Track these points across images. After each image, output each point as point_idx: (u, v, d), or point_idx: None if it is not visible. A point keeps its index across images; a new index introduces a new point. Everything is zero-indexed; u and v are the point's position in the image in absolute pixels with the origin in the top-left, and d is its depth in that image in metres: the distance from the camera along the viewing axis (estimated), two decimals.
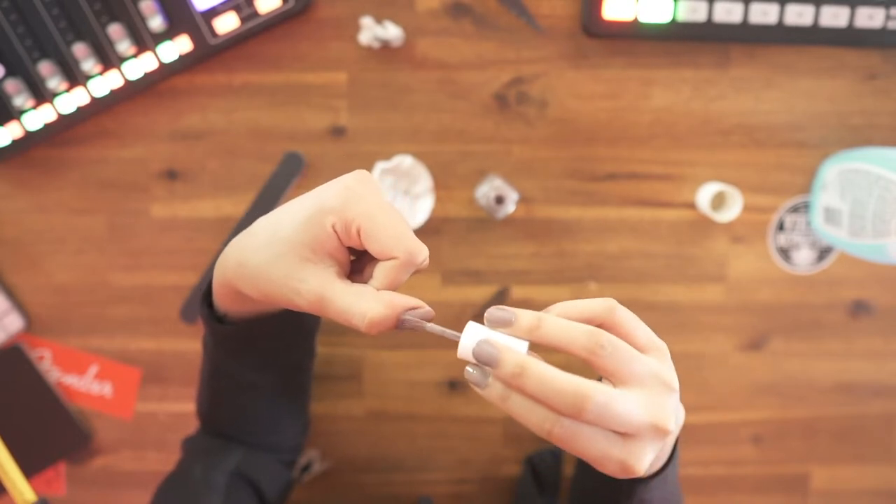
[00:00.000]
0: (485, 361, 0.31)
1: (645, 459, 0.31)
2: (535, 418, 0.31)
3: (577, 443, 0.31)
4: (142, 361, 0.63)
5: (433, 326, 0.33)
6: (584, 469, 0.48)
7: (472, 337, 0.32)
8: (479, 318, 0.62)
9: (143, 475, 0.65)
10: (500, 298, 0.62)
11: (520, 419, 0.31)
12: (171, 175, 0.61)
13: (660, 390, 0.32)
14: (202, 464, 0.50)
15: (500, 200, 0.57)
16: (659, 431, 0.31)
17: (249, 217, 0.60)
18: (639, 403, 0.31)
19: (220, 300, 0.41)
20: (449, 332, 0.33)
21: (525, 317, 0.32)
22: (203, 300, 0.42)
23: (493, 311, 0.32)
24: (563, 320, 0.32)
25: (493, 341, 0.32)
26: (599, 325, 0.33)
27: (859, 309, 0.63)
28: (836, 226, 0.58)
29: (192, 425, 0.64)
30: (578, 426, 0.30)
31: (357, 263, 0.37)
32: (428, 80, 0.59)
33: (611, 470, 0.31)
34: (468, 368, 0.32)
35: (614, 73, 0.60)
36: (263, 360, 0.47)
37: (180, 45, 0.56)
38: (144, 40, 0.56)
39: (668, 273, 0.62)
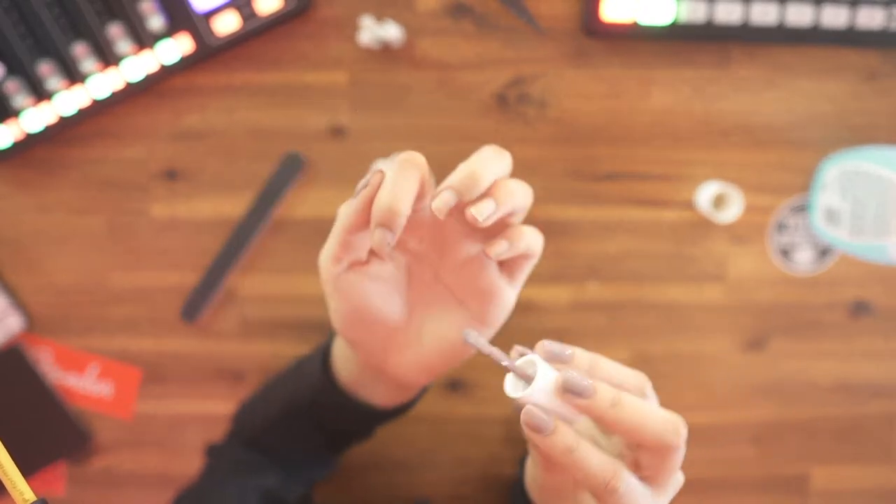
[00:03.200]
0: (581, 392, 0.28)
1: None
2: (599, 470, 0.28)
3: (629, 500, 0.29)
4: (142, 361, 0.63)
5: (500, 353, 0.29)
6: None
7: (549, 373, 0.28)
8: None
9: (143, 475, 0.65)
10: None
11: (579, 471, 0.28)
12: (171, 175, 0.61)
13: None
14: (237, 483, 0.48)
15: None
16: (679, 486, 0.32)
17: (250, 217, 0.60)
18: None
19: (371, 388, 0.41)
20: (510, 360, 0.29)
21: (582, 355, 0.30)
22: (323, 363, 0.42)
23: (552, 346, 0.30)
24: (613, 362, 0.31)
25: (576, 373, 0.28)
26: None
27: (860, 309, 0.63)
28: (837, 226, 0.58)
29: (193, 425, 0.64)
30: (638, 485, 0.29)
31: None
32: (428, 80, 0.59)
33: None
34: (535, 410, 0.28)
35: (614, 73, 0.60)
36: (351, 431, 0.46)
37: (180, 45, 0.56)
38: (144, 40, 0.56)
39: (668, 273, 0.62)
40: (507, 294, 0.37)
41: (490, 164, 0.32)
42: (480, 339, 0.29)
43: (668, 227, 0.62)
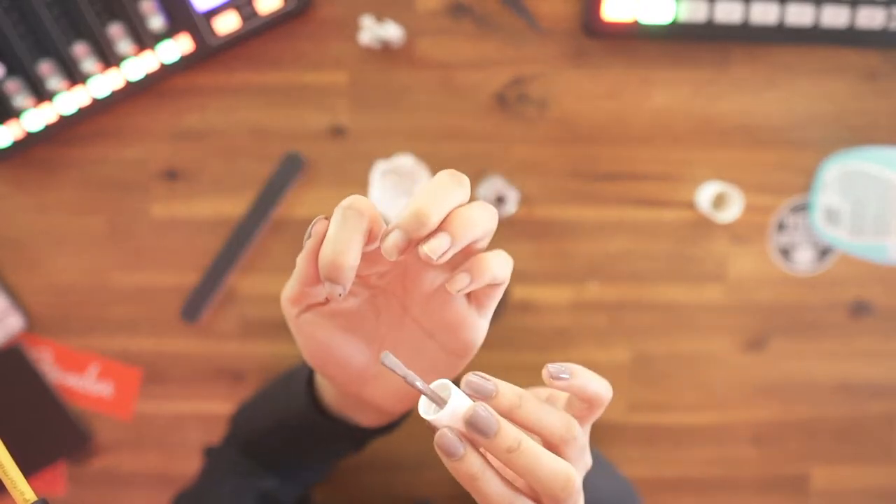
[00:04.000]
0: (483, 430, 0.28)
1: None
2: (498, 499, 0.29)
3: None
4: (142, 361, 0.63)
5: (410, 374, 0.29)
6: None
7: (461, 401, 0.28)
8: None
9: (143, 475, 0.65)
10: (501, 298, 0.62)
11: (479, 497, 0.29)
12: (171, 175, 0.61)
13: (583, 473, 0.33)
14: (235, 484, 0.48)
15: (500, 200, 0.57)
16: None
17: (250, 217, 0.60)
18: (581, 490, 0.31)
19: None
20: (424, 384, 0.29)
21: (507, 392, 0.30)
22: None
23: (476, 380, 0.29)
24: (542, 404, 0.31)
25: (491, 409, 0.28)
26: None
27: (860, 309, 0.63)
28: (837, 226, 0.58)
29: (193, 425, 0.64)
30: None
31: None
32: (428, 80, 0.59)
33: None
34: (447, 433, 0.28)
35: (614, 73, 0.60)
36: (343, 448, 0.45)
37: (181, 45, 0.56)
38: (145, 40, 0.56)
39: (668, 273, 0.62)
40: (477, 325, 0.35)
41: (444, 194, 0.29)
42: (396, 362, 0.29)
43: (668, 227, 0.62)
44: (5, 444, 0.28)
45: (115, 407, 0.64)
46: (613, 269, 0.62)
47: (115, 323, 0.62)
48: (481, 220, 0.30)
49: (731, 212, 0.58)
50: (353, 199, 0.29)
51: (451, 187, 0.30)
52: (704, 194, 0.59)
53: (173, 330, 0.63)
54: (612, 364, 0.63)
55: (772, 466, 0.65)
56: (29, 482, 0.27)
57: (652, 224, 0.62)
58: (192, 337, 0.63)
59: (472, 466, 0.28)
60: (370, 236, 0.29)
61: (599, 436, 0.64)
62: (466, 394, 0.29)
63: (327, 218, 0.30)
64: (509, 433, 0.28)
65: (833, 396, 0.64)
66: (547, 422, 0.31)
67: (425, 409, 0.29)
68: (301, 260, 0.31)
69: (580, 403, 0.33)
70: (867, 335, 0.63)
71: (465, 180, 0.30)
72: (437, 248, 0.29)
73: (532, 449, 0.29)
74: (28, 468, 0.63)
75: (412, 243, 0.29)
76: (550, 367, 0.32)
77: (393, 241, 0.28)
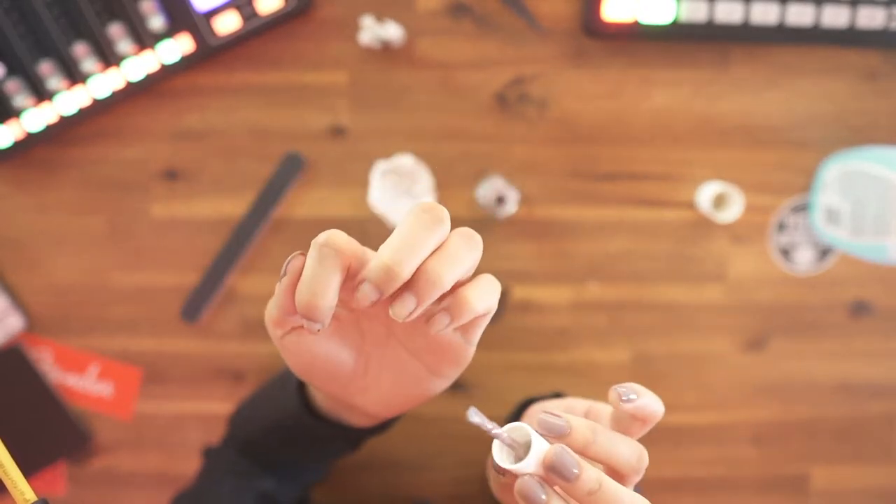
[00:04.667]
0: (565, 475, 0.27)
1: None
2: None
3: None
4: (142, 361, 0.63)
5: (493, 426, 0.28)
6: None
7: (541, 444, 0.28)
8: None
9: (143, 475, 0.65)
10: (501, 299, 0.62)
11: None
12: (171, 175, 0.61)
13: None
14: (233, 484, 0.48)
15: (500, 200, 0.57)
16: None
17: (250, 217, 0.60)
18: None
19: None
20: (500, 431, 0.28)
21: (581, 428, 0.29)
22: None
23: (550, 419, 0.29)
24: (614, 434, 0.30)
25: (571, 451, 0.28)
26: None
27: (860, 309, 0.63)
28: (837, 226, 0.58)
29: (193, 426, 0.64)
30: None
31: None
32: (428, 80, 0.59)
33: None
34: (531, 482, 0.27)
35: (615, 73, 0.60)
36: (340, 448, 0.45)
37: (181, 45, 0.56)
38: (145, 40, 0.56)
39: (668, 273, 0.62)
40: (463, 351, 0.34)
41: (418, 242, 0.28)
42: (482, 419, 0.28)
43: (668, 227, 0.62)
44: (5, 444, 0.28)
45: (115, 407, 0.64)
46: (613, 269, 0.62)
47: (115, 323, 0.62)
48: (453, 272, 0.29)
49: (732, 212, 0.58)
50: (330, 236, 0.28)
51: (427, 232, 0.28)
52: (704, 194, 0.59)
53: (173, 330, 0.63)
54: (612, 364, 0.63)
55: (772, 466, 0.65)
56: (29, 482, 0.27)
57: (652, 224, 0.62)
58: (192, 337, 0.63)
59: None
60: (348, 273, 0.29)
61: None
62: (540, 434, 0.29)
63: (303, 254, 0.29)
64: (591, 475, 0.28)
65: (833, 396, 0.64)
66: (621, 455, 0.30)
67: (501, 456, 0.28)
68: (279, 292, 0.30)
69: (631, 421, 0.33)
70: (867, 335, 0.63)
71: (444, 215, 0.29)
72: (401, 313, 0.28)
73: (612, 489, 0.28)
74: (28, 468, 0.63)
75: (382, 297, 0.28)
76: (619, 389, 0.31)
77: (364, 294, 0.28)
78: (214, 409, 0.63)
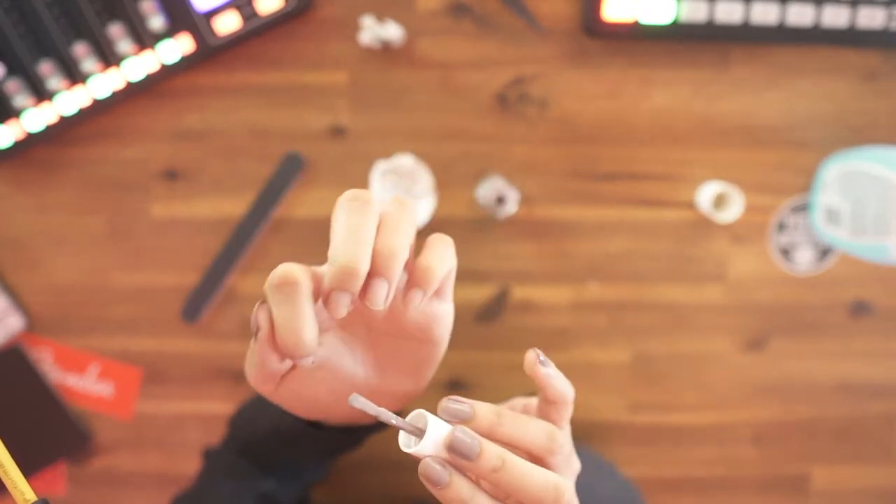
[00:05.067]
0: (465, 454, 0.28)
1: None
2: None
3: None
4: (142, 361, 0.63)
5: (384, 412, 0.28)
6: None
7: (440, 428, 0.29)
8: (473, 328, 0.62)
9: (143, 475, 0.65)
10: (501, 299, 0.62)
11: None
12: (171, 175, 0.61)
13: (573, 478, 0.33)
14: (233, 485, 0.48)
15: (500, 200, 0.57)
16: None
17: (250, 217, 0.60)
18: (573, 496, 0.31)
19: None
20: (399, 419, 0.29)
21: (485, 412, 0.30)
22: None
23: (451, 404, 0.30)
24: (521, 416, 0.31)
25: (471, 431, 0.29)
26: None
27: (860, 309, 0.63)
28: (837, 226, 0.58)
29: (193, 426, 0.64)
30: None
31: None
32: (428, 80, 0.59)
33: None
34: (431, 463, 0.28)
35: (615, 73, 0.60)
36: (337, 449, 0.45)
37: (181, 45, 0.56)
38: (145, 40, 0.56)
39: (668, 273, 0.62)
40: (443, 312, 0.35)
41: (358, 229, 0.28)
42: (366, 402, 0.29)
43: (668, 227, 0.62)
44: (5, 444, 0.28)
45: (115, 407, 0.64)
46: (613, 269, 0.62)
47: (116, 323, 0.62)
48: (402, 240, 0.29)
49: (732, 212, 0.58)
50: (283, 273, 0.28)
51: (362, 218, 0.29)
52: (704, 194, 0.59)
53: (173, 330, 0.63)
54: (613, 364, 0.63)
55: (772, 466, 0.65)
56: (29, 482, 0.27)
57: (652, 224, 0.62)
58: (192, 337, 0.63)
59: (460, 491, 0.28)
60: (315, 294, 0.29)
61: (600, 436, 0.64)
62: (444, 420, 0.29)
63: (264, 302, 0.29)
64: (492, 452, 0.28)
65: (833, 396, 0.64)
66: (529, 435, 0.31)
67: (405, 441, 0.29)
68: (259, 349, 0.30)
69: (547, 407, 0.33)
70: (867, 335, 0.63)
71: (369, 196, 0.29)
72: (377, 300, 0.28)
73: (517, 465, 0.29)
74: (28, 468, 0.63)
75: (355, 296, 0.28)
76: (538, 350, 0.32)
77: (336, 302, 0.28)
78: (214, 409, 0.63)
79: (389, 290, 0.29)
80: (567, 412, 0.34)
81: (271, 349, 0.30)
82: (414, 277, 0.30)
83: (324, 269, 0.30)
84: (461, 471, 0.29)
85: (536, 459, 0.31)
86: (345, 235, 0.28)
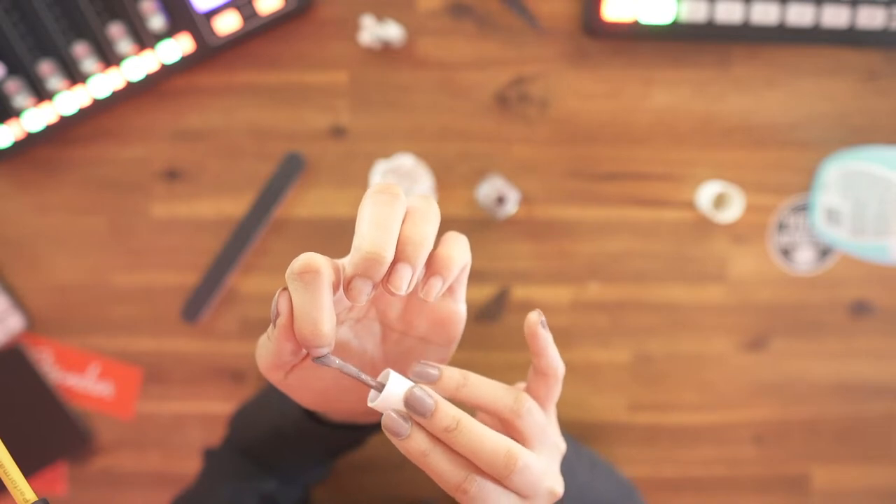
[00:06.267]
0: (419, 411, 0.29)
1: None
2: (450, 475, 0.30)
3: (483, 502, 0.30)
4: (142, 361, 0.63)
5: (348, 367, 0.30)
6: None
7: (400, 384, 0.30)
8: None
9: (143, 475, 0.65)
10: (501, 299, 0.62)
11: (433, 474, 0.30)
12: (171, 175, 0.61)
13: (556, 456, 0.33)
14: (233, 485, 0.48)
15: (500, 200, 0.57)
16: (553, 496, 0.32)
17: (250, 217, 0.60)
18: (543, 468, 0.31)
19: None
20: (366, 376, 0.30)
21: (451, 373, 0.31)
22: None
23: (419, 367, 0.31)
24: (487, 380, 0.32)
25: (430, 390, 0.30)
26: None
27: (860, 309, 0.63)
28: (837, 226, 0.58)
29: (193, 426, 0.64)
30: (490, 486, 0.30)
31: None
32: (428, 80, 0.59)
33: None
34: (391, 414, 0.29)
35: (615, 73, 0.60)
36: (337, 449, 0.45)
37: (181, 45, 0.56)
38: (145, 40, 0.56)
39: (669, 273, 0.62)
40: (457, 311, 0.35)
41: (386, 219, 0.29)
42: (332, 358, 0.30)
43: (668, 227, 0.62)
44: (5, 444, 0.28)
45: (116, 407, 0.64)
46: (613, 269, 0.62)
47: (116, 323, 0.62)
48: (429, 229, 0.30)
49: (732, 212, 0.58)
50: (305, 261, 0.28)
51: (390, 209, 0.29)
52: (705, 194, 0.59)
53: (173, 330, 0.63)
54: (613, 364, 0.63)
55: (772, 466, 0.65)
56: (29, 482, 0.27)
57: (652, 224, 0.62)
58: (193, 337, 0.63)
59: (419, 444, 0.29)
60: (335, 286, 0.29)
61: (600, 436, 0.64)
62: (412, 381, 0.31)
63: (286, 289, 0.29)
64: (447, 412, 0.29)
65: (833, 396, 0.64)
66: (494, 396, 0.31)
67: (372, 397, 0.30)
68: (275, 337, 0.30)
69: (537, 380, 0.34)
70: (867, 335, 0.63)
71: (398, 190, 0.30)
72: (400, 285, 0.29)
73: (471, 426, 0.29)
74: (28, 468, 0.63)
75: (376, 285, 0.29)
76: (542, 315, 0.33)
77: (357, 289, 0.28)
78: (214, 409, 0.63)
79: (413, 276, 0.29)
80: (555, 390, 0.34)
81: (288, 337, 0.30)
82: (434, 266, 0.31)
83: (344, 261, 0.30)
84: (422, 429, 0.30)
85: (505, 423, 0.32)
86: (372, 224, 0.28)
